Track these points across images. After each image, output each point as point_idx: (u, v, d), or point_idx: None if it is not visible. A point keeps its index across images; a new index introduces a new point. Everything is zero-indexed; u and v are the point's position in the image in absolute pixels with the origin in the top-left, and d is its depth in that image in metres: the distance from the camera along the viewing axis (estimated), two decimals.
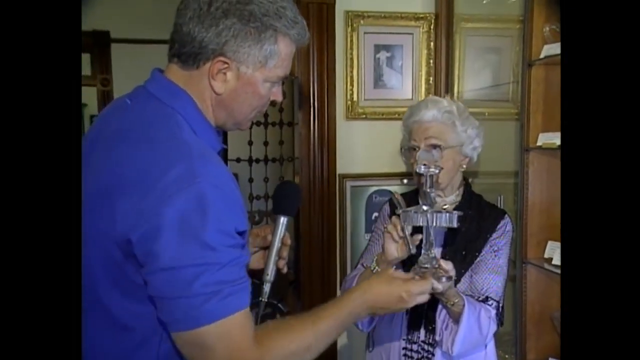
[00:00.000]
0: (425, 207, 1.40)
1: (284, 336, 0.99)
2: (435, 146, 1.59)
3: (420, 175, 1.47)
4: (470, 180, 1.74)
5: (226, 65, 1.02)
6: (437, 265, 1.41)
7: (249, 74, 1.04)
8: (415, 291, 1.19)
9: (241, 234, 0.98)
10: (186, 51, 1.02)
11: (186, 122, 1.02)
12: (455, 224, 1.41)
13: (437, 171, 1.44)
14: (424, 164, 1.44)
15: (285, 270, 1.28)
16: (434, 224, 1.40)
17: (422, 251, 1.44)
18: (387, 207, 1.77)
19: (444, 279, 1.40)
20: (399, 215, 1.47)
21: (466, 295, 1.53)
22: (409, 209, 1.44)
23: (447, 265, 1.41)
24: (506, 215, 1.65)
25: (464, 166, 1.68)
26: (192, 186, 0.90)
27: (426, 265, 1.41)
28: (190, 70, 1.04)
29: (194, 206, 0.89)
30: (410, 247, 1.46)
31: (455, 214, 1.41)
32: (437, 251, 1.55)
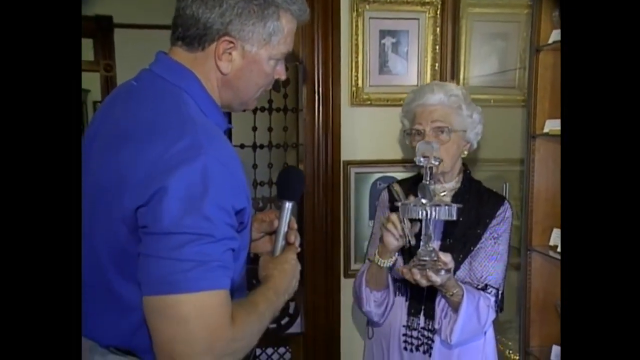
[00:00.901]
0: (423, 201, 1.39)
1: (247, 316, 0.98)
2: (442, 130, 1.58)
3: (420, 167, 1.47)
4: (469, 172, 1.73)
5: (231, 45, 1.03)
6: (435, 258, 1.41)
7: (254, 52, 1.05)
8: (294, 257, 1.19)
9: (239, 212, 0.98)
10: (191, 34, 1.03)
11: (193, 100, 1.03)
12: (454, 217, 1.41)
13: (436, 163, 1.43)
14: (424, 156, 1.43)
15: (298, 250, 1.28)
16: (433, 217, 1.39)
17: (421, 244, 1.43)
18: (385, 194, 1.77)
19: (442, 272, 1.40)
20: (398, 209, 1.46)
21: (465, 283, 1.53)
22: (407, 202, 1.43)
23: (446, 258, 1.41)
24: (506, 201, 1.64)
25: (466, 152, 1.68)
26: (198, 158, 0.91)
27: (425, 258, 1.41)
28: (195, 53, 1.05)
29: (198, 179, 0.90)
30: (410, 239, 1.45)
31: (455, 206, 1.40)
32: (436, 243, 1.55)
